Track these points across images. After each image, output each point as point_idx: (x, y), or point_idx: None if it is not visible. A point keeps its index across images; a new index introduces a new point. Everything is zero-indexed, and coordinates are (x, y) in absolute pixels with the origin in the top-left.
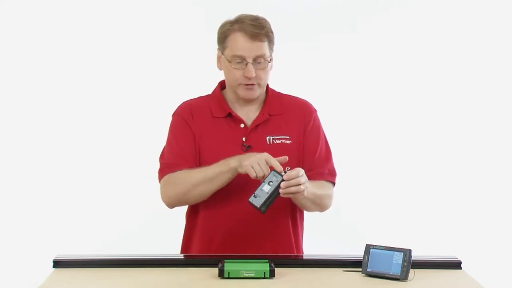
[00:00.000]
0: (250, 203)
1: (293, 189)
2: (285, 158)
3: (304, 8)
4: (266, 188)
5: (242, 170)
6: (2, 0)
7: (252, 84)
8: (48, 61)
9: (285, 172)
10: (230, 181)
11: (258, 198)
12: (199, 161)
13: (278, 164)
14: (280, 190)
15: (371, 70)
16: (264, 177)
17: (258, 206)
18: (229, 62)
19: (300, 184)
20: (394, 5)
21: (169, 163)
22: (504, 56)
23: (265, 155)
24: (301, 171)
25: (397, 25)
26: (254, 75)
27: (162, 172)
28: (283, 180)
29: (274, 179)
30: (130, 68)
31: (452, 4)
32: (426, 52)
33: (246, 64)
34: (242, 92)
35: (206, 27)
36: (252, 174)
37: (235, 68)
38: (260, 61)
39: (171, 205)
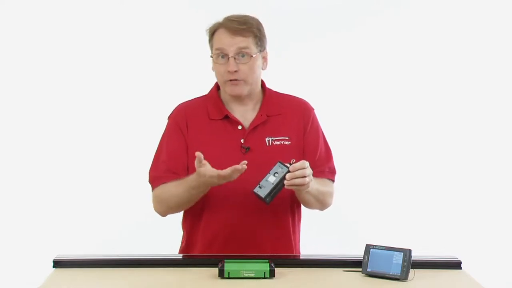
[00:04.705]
0: (255, 193)
1: (298, 180)
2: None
3: (304, 8)
4: (271, 179)
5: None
6: (2, 0)
7: (236, 80)
8: (47, 61)
9: (290, 164)
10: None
11: (263, 188)
12: (188, 168)
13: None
14: (285, 182)
15: (371, 70)
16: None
17: (263, 196)
18: (214, 58)
19: (305, 176)
20: (394, 5)
21: (156, 176)
22: (503, 55)
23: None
24: (306, 163)
25: (397, 25)
26: (235, 69)
27: (152, 185)
28: (288, 172)
29: (280, 170)
30: (129, 68)
31: (455, 3)
32: (425, 52)
33: (228, 59)
34: (228, 89)
35: (206, 27)
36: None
37: (218, 64)
38: (243, 54)
39: (162, 215)
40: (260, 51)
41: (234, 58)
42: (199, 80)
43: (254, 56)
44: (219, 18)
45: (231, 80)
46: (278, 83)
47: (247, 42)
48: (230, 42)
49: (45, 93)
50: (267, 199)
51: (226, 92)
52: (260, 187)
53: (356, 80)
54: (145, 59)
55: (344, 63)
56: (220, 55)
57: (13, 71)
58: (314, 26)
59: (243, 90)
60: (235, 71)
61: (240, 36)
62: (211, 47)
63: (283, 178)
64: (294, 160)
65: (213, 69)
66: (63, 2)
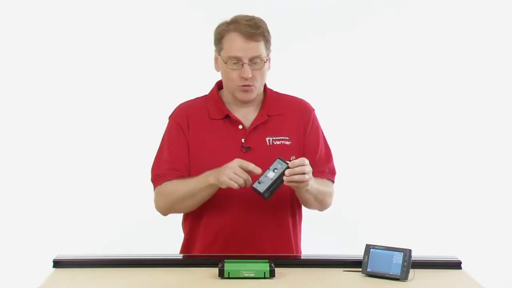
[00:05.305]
0: (254, 189)
1: (297, 177)
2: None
3: (304, 8)
4: (270, 175)
5: (223, 186)
6: (2, 0)
7: (249, 85)
8: (47, 62)
9: (290, 161)
10: (213, 195)
11: (262, 184)
12: (190, 168)
13: (254, 165)
14: (284, 178)
15: (371, 70)
16: (245, 183)
17: (262, 192)
18: (225, 63)
19: (304, 173)
20: (394, 5)
21: (159, 174)
22: (503, 54)
23: (237, 161)
24: (306, 161)
25: (397, 25)
26: (250, 76)
27: (154, 183)
28: (288, 168)
29: (279, 166)
30: (130, 68)
31: (455, 3)
32: (424, 52)
33: (242, 65)
34: (239, 95)
35: (206, 27)
36: (234, 186)
37: (231, 69)
38: (256, 61)
39: (163, 214)
40: (268, 54)
41: (248, 64)
42: (199, 80)
43: (266, 61)
44: (220, 17)
45: (243, 86)
46: (278, 83)
47: (260, 48)
48: (245, 48)
49: (46, 93)
50: (266, 194)
51: (237, 97)
52: (259, 182)
53: (356, 80)
54: (145, 59)
55: (344, 63)
56: (233, 61)
57: (13, 71)
58: (314, 26)
59: (254, 95)
60: (250, 77)
61: (253, 42)
62: (220, 49)
63: (282, 174)
64: (294, 157)
65: (217, 69)
66: (63, 2)
